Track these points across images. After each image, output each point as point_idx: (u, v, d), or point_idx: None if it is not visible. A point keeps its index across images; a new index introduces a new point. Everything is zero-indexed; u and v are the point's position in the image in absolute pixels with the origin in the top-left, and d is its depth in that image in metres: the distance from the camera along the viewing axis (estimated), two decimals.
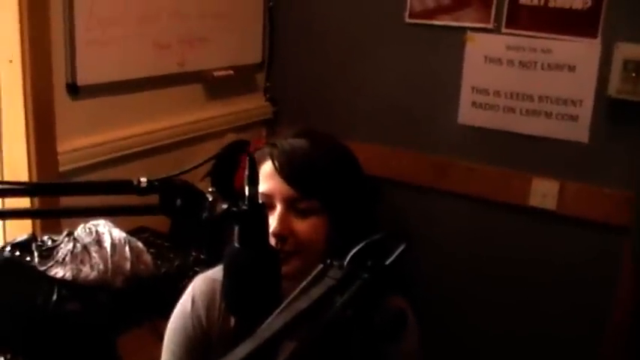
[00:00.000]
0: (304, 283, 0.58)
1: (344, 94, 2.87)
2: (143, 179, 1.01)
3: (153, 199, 1.02)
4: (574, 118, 2.42)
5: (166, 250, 2.04)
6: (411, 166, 2.73)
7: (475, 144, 2.62)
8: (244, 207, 1.06)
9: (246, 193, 1.09)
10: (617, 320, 2.39)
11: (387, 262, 0.59)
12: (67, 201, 2.03)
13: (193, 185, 1.04)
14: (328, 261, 0.61)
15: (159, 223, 2.26)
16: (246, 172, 1.10)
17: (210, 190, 1.05)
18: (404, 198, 2.76)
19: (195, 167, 1.08)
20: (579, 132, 2.42)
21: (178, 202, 1.02)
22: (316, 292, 0.53)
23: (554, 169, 2.48)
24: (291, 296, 0.56)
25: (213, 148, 2.69)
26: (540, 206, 2.51)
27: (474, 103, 2.59)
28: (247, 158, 1.10)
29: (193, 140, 2.64)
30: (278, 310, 0.52)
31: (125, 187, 1.00)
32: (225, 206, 1.05)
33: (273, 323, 0.49)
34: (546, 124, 2.47)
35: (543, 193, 2.49)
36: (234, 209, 1.04)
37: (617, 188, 2.36)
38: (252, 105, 3.00)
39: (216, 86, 2.75)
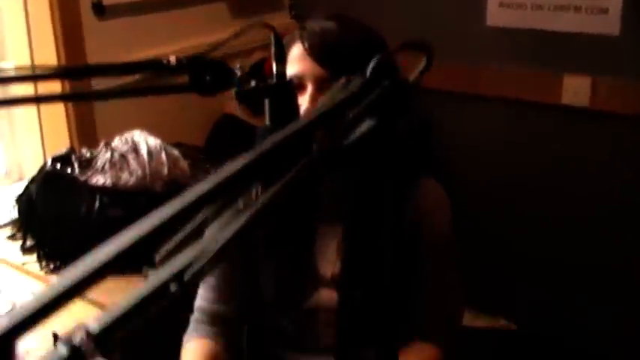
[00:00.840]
0: (327, 94, 0.59)
1: (369, 7, 2.84)
2: (172, 57, 1.03)
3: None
4: (604, 11, 2.37)
5: (202, 161, 2.08)
6: (441, 73, 2.70)
7: (505, 45, 2.59)
8: (273, 82, 1.08)
9: (274, 70, 1.11)
10: None
11: (411, 79, 0.60)
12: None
13: (222, 61, 1.06)
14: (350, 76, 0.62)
15: (194, 138, 2.30)
16: (273, 50, 1.12)
17: (238, 66, 1.08)
18: (435, 105, 2.74)
19: (222, 44, 1.09)
20: (610, 25, 2.37)
21: (208, 78, 1.05)
22: (338, 96, 0.54)
23: (586, 65, 2.44)
24: (317, 107, 0.57)
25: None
26: (573, 104, 2.48)
27: (501, 4, 2.55)
28: (273, 36, 1.12)
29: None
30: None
31: (155, 66, 1.02)
32: (254, 82, 1.07)
33: (297, 121, 0.51)
34: (576, 19, 2.43)
35: (575, 90, 2.46)
36: (263, 84, 1.06)
37: None
38: (278, 23, 2.97)
39: (240, 4, 2.75)
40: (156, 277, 0.45)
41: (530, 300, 2.72)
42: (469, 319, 2.50)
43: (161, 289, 0.45)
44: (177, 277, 0.46)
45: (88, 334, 0.43)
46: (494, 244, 2.76)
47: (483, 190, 2.76)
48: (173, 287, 0.46)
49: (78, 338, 0.43)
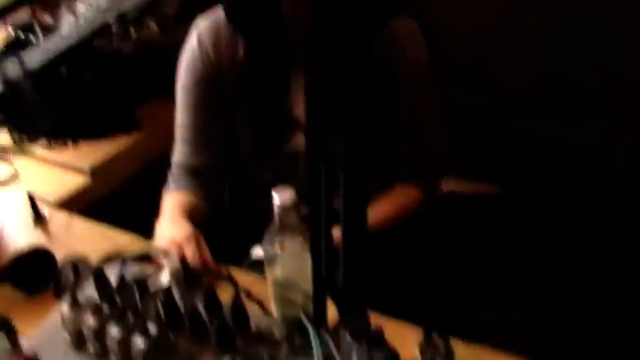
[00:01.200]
0: None
1: None
2: None
3: None
4: None
5: (173, 27, 1.99)
6: None
7: None
8: None
9: None
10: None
11: None
12: None
13: None
14: None
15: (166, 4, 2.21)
16: None
17: None
18: None
19: None
20: None
21: None
22: None
23: None
24: None
25: None
26: None
27: None
28: None
29: None
30: None
31: None
32: None
33: None
34: None
35: None
36: None
37: None
38: None
39: None
40: (98, 11, 0.41)
41: (514, 161, 2.71)
42: (452, 185, 2.49)
43: (102, 28, 0.42)
44: (120, 17, 0.42)
45: (25, 70, 0.39)
46: (477, 105, 2.72)
47: (464, 48, 2.67)
48: (115, 28, 0.43)
49: (15, 74, 0.39)
